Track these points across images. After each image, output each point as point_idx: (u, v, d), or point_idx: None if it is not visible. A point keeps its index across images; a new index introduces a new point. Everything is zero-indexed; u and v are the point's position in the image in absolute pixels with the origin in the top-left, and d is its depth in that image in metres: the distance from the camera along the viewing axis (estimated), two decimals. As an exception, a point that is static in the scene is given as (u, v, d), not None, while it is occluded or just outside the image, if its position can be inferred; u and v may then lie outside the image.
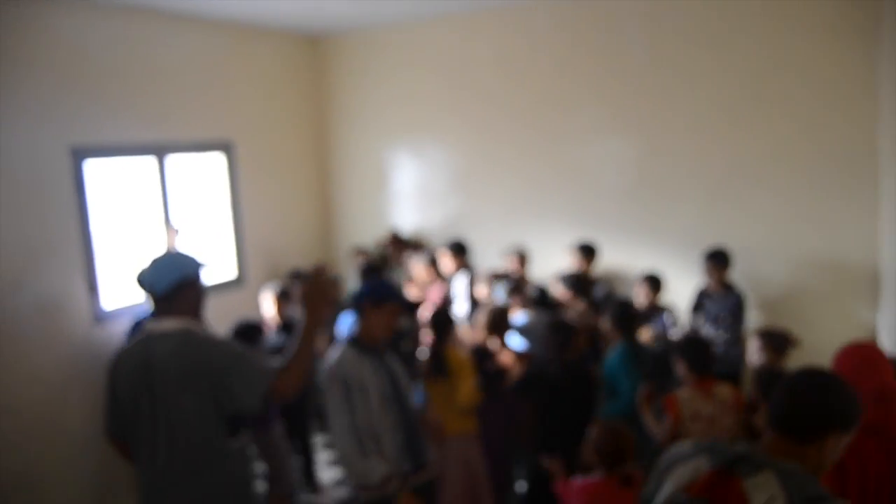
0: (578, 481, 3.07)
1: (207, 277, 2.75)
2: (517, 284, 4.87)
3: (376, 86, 6.56)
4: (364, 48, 6.58)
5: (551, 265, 5.48)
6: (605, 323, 4.23)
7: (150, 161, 5.09)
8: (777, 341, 3.73)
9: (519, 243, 5.73)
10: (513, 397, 4.09)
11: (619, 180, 5.50)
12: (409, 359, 4.22)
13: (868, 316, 4.75)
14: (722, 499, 1.63)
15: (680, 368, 3.52)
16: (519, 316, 4.60)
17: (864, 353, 2.55)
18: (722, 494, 1.64)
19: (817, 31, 4.69)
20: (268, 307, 4.87)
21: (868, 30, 4.51)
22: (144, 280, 2.60)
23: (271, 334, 4.73)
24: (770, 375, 3.32)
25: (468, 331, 4.55)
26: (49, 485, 4.36)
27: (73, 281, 4.50)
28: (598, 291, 5.10)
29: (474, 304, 5.16)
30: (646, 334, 4.56)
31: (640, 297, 4.82)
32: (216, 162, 5.76)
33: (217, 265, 5.54)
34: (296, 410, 4.78)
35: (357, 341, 3.09)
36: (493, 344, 4.17)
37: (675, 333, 4.64)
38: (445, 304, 5.11)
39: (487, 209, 6.14)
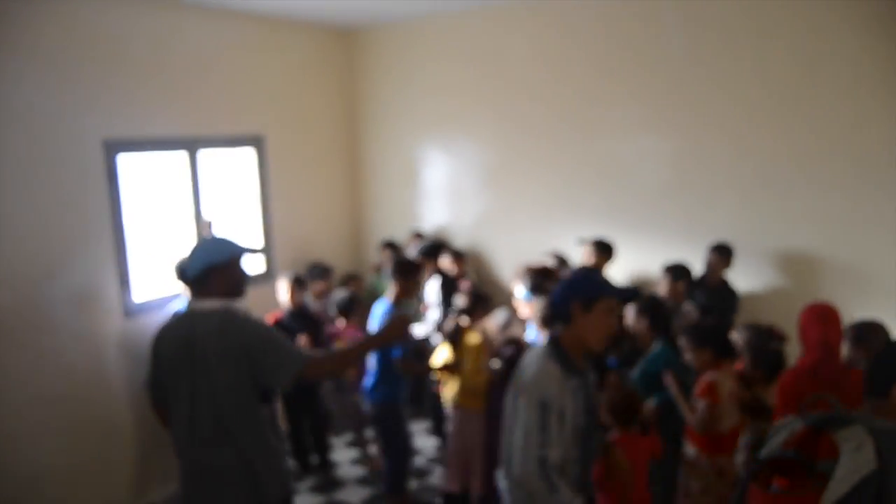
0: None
1: (246, 262, 2.95)
2: (543, 279, 4.83)
3: (407, 80, 6.52)
4: (396, 41, 6.53)
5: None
6: (639, 323, 4.16)
7: (181, 155, 5.10)
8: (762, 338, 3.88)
9: (551, 242, 5.68)
10: None
11: (653, 178, 5.39)
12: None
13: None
14: (814, 449, 1.84)
15: (700, 356, 3.62)
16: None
17: (820, 310, 3.25)
18: (814, 446, 1.85)
19: (858, 31, 4.53)
20: (283, 293, 5.15)
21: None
22: (182, 265, 2.81)
23: (284, 318, 5.04)
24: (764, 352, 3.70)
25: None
26: (82, 475, 4.40)
27: (104, 274, 4.52)
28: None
29: (447, 308, 5.23)
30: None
31: (662, 289, 4.81)
32: (246, 156, 5.77)
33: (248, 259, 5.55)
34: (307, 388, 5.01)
35: (560, 352, 2.55)
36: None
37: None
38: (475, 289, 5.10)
39: (519, 207, 6.07)
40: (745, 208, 5.07)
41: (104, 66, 4.47)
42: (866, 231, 4.66)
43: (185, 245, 5.12)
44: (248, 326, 2.78)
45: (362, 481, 5.13)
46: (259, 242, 5.35)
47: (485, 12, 5.94)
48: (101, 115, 4.46)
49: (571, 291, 2.56)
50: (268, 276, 5.87)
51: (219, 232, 5.06)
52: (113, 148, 4.53)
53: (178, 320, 2.85)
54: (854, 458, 1.72)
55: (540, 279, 4.82)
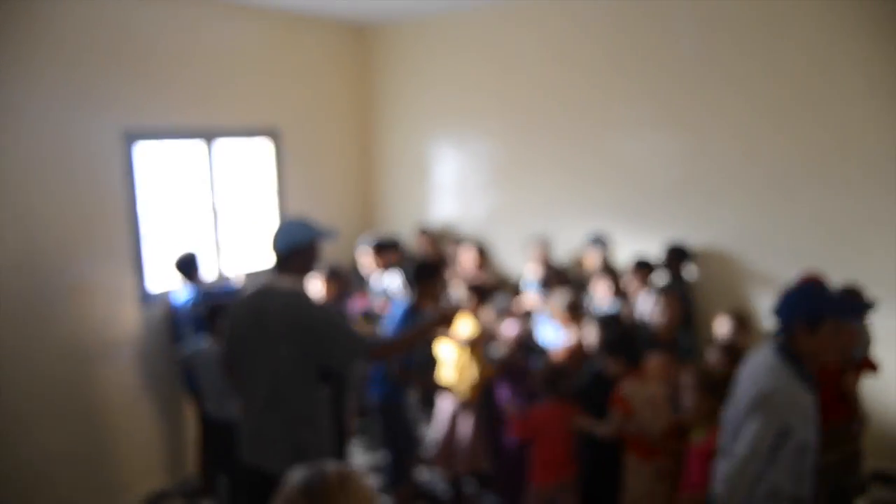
0: (534, 408, 3.84)
1: (323, 243, 3.21)
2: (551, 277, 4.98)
3: (421, 76, 6.57)
4: (410, 38, 6.58)
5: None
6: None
7: (198, 145, 5.16)
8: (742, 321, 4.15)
9: (559, 238, 5.74)
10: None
11: (663, 176, 5.42)
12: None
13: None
14: None
15: (612, 364, 3.75)
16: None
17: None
18: None
19: (871, 34, 4.54)
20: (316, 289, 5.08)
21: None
22: (271, 242, 3.09)
23: None
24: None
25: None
26: (94, 461, 4.48)
27: (120, 262, 4.59)
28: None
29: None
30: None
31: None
32: (262, 148, 5.83)
33: (259, 253, 5.61)
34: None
35: (796, 364, 2.42)
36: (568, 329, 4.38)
37: None
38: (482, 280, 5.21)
39: (528, 202, 6.11)
40: (754, 208, 5.09)
41: (124, 57, 4.53)
42: (877, 234, 4.68)
43: (199, 235, 5.20)
44: (315, 308, 3.00)
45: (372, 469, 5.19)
46: (262, 237, 5.33)
47: (498, 10, 5.98)
48: (119, 105, 4.52)
49: (795, 310, 2.46)
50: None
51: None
52: (131, 137, 4.59)
53: (256, 293, 3.08)
54: None
55: (553, 274, 4.90)
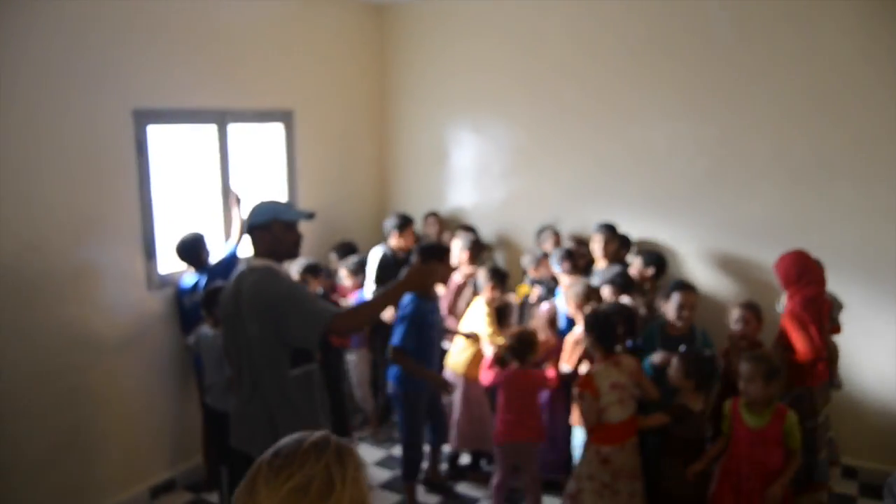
0: (503, 370, 4.15)
1: (292, 224, 3.14)
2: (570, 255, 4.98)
3: (440, 57, 6.40)
4: (429, 17, 6.40)
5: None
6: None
7: (210, 129, 5.05)
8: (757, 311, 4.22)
9: (581, 228, 5.59)
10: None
11: (690, 167, 5.25)
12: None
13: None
14: None
15: (596, 348, 3.90)
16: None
17: (801, 254, 4.13)
18: None
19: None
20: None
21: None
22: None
23: None
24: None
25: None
26: (103, 444, 4.40)
27: (130, 245, 4.49)
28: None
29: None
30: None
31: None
32: (274, 131, 5.71)
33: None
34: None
35: None
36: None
37: None
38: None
39: (548, 191, 5.95)
40: (784, 200, 4.93)
41: (136, 36, 4.40)
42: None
43: (211, 219, 5.10)
44: (277, 284, 2.92)
45: (381, 463, 5.11)
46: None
47: (522, -9, 5.81)
48: (131, 86, 4.40)
49: None
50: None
51: (240, 210, 5.01)
52: (143, 118, 4.48)
53: (237, 276, 3.07)
54: None
55: (572, 258, 4.85)
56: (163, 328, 4.69)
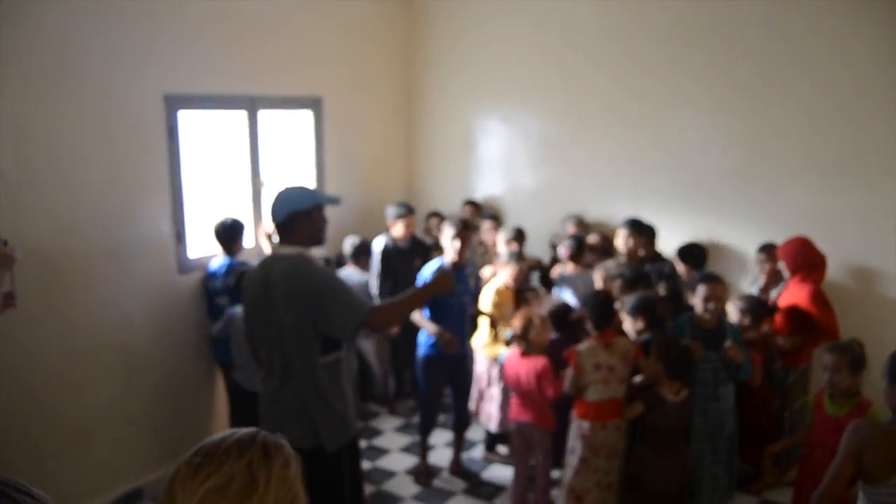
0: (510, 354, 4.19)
1: (323, 208, 3.13)
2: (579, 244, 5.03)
3: (468, 46, 6.36)
4: (458, 6, 6.36)
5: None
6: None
7: (240, 115, 5.08)
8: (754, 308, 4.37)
9: (611, 220, 5.55)
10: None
11: (722, 160, 5.17)
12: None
13: None
14: None
15: (587, 324, 3.96)
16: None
17: (805, 240, 4.36)
18: None
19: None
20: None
21: None
22: (270, 211, 3.01)
23: None
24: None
25: None
26: (133, 428, 4.48)
27: (161, 229, 4.55)
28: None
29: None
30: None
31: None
32: (304, 118, 5.73)
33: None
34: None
35: None
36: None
37: None
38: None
39: (578, 182, 5.91)
40: (821, 194, 4.84)
41: (168, 23, 4.44)
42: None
43: (240, 205, 5.14)
44: (315, 274, 2.93)
45: (406, 449, 5.13)
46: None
47: (553, -21, 5.75)
48: (163, 71, 4.44)
49: None
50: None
51: (266, 196, 5.05)
52: (174, 103, 4.52)
53: (262, 262, 3.07)
54: None
55: (580, 246, 4.88)
56: (192, 311, 4.74)
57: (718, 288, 4.10)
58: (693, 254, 5.02)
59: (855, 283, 4.77)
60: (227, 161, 5.11)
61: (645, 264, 4.81)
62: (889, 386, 2.57)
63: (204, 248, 4.81)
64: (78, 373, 4.14)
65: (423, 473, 4.74)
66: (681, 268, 5.00)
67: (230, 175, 5.13)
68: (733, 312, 4.39)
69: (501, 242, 5.36)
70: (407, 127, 6.83)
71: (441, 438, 5.21)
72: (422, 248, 5.51)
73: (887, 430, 2.50)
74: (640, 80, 5.47)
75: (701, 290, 4.14)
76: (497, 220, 6.00)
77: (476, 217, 6.09)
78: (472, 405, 4.88)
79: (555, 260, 5.55)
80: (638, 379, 3.90)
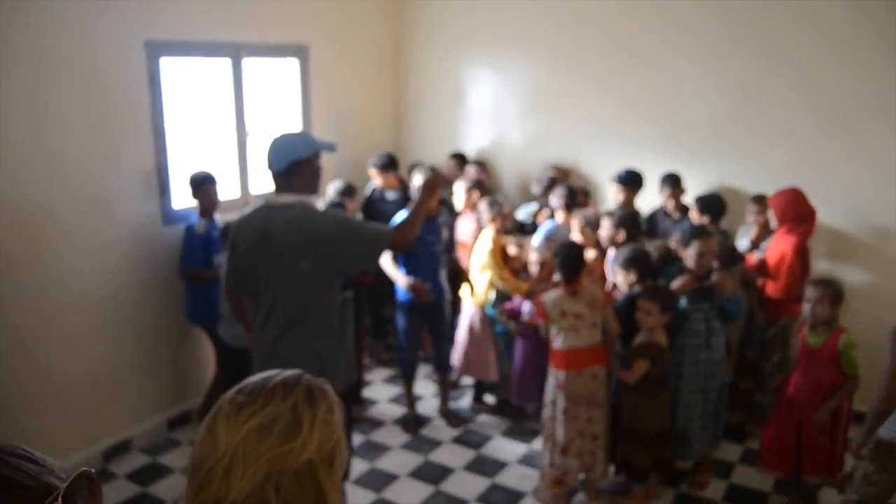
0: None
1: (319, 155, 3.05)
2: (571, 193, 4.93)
3: (459, -7, 6.21)
4: (449, -49, 6.19)
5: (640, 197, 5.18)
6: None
7: (224, 63, 4.96)
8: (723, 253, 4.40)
9: (602, 170, 5.51)
10: None
11: (716, 109, 5.11)
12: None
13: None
14: None
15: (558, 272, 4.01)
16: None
17: (797, 191, 4.32)
18: None
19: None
20: None
21: None
22: (266, 159, 2.95)
23: None
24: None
25: None
26: (118, 380, 4.48)
27: (144, 180, 4.47)
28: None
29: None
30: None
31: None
32: (289, 66, 5.60)
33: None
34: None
35: None
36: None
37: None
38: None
39: (569, 132, 5.83)
40: (808, 146, 4.81)
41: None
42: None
43: (224, 155, 5.06)
44: (325, 217, 2.95)
45: (394, 400, 5.17)
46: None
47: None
48: (142, 16, 4.30)
49: None
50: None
51: (251, 146, 4.95)
52: (155, 50, 4.40)
53: (255, 212, 3.00)
54: None
55: (573, 196, 4.84)
56: (177, 263, 4.68)
57: (711, 242, 4.11)
58: (711, 205, 4.77)
59: (856, 232, 4.76)
60: (212, 110, 5.00)
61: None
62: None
63: (187, 198, 4.73)
64: (62, 325, 4.12)
65: (412, 422, 4.79)
66: (697, 218, 4.79)
67: (215, 125, 5.03)
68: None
69: (461, 191, 5.19)
70: (395, 76, 6.70)
71: (429, 389, 5.25)
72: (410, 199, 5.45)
73: None
74: (631, 29, 5.36)
75: (694, 244, 4.13)
76: (483, 166, 5.93)
77: (458, 171, 5.98)
78: (455, 359, 4.92)
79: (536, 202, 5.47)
80: (638, 340, 3.90)
